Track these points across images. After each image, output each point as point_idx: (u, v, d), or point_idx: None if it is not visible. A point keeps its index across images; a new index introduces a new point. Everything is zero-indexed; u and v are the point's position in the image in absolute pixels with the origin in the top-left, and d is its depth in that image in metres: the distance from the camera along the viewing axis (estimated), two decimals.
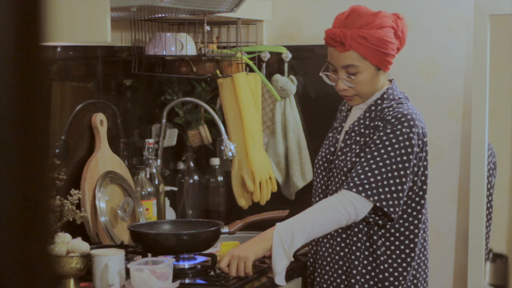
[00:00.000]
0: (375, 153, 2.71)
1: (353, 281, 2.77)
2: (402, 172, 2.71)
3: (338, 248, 2.82)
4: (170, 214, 3.52)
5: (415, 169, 2.76)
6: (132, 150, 3.39)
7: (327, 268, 2.85)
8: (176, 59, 3.50)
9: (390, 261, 2.78)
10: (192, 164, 3.66)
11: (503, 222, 3.51)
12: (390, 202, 2.69)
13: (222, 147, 3.33)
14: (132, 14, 3.07)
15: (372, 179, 2.68)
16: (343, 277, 2.81)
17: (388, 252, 2.78)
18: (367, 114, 2.82)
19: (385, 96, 2.83)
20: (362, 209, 2.68)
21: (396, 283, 2.77)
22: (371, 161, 2.70)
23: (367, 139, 2.78)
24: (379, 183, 2.68)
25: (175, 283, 2.61)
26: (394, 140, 2.71)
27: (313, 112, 3.63)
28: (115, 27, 3.18)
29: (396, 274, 2.77)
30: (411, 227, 2.80)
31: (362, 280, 2.77)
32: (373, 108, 2.82)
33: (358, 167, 2.70)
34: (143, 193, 3.23)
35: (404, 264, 2.78)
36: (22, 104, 0.84)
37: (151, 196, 3.25)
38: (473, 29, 3.44)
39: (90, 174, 3.00)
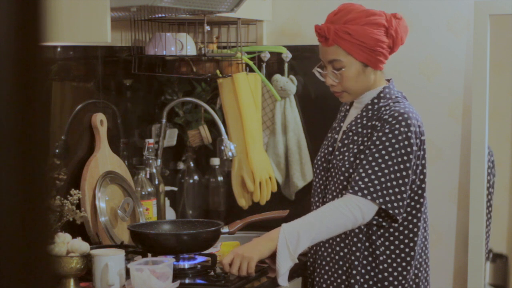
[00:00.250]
0: (376, 155, 2.71)
1: (352, 281, 2.77)
2: (404, 173, 2.71)
3: (337, 248, 2.82)
4: (170, 214, 3.52)
5: (414, 167, 2.76)
6: (132, 150, 3.39)
7: (327, 268, 2.85)
8: (176, 59, 3.50)
9: (389, 261, 2.77)
10: (192, 164, 3.66)
11: (503, 222, 3.51)
12: (395, 204, 2.69)
13: (222, 147, 3.33)
14: (132, 14, 3.07)
15: (376, 182, 2.68)
16: (343, 277, 2.81)
17: (388, 252, 2.78)
18: (364, 114, 2.83)
19: (382, 95, 2.83)
20: (368, 212, 2.68)
21: (396, 282, 2.77)
22: (373, 163, 2.70)
23: (365, 138, 2.78)
24: (383, 185, 2.68)
25: (175, 283, 2.60)
26: (393, 140, 2.71)
27: (313, 112, 3.63)
28: (115, 27, 3.18)
29: (396, 274, 2.77)
30: (411, 226, 2.79)
31: (362, 280, 2.77)
32: (369, 107, 2.82)
33: (361, 170, 2.70)
34: (143, 193, 3.23)
35: (404, 264, 2.78)
36: (22, 104, 0.84)
37: (151, 196, 3.25)
38: (473, 29, 3.44)
39: (90, 174, 3.00)
